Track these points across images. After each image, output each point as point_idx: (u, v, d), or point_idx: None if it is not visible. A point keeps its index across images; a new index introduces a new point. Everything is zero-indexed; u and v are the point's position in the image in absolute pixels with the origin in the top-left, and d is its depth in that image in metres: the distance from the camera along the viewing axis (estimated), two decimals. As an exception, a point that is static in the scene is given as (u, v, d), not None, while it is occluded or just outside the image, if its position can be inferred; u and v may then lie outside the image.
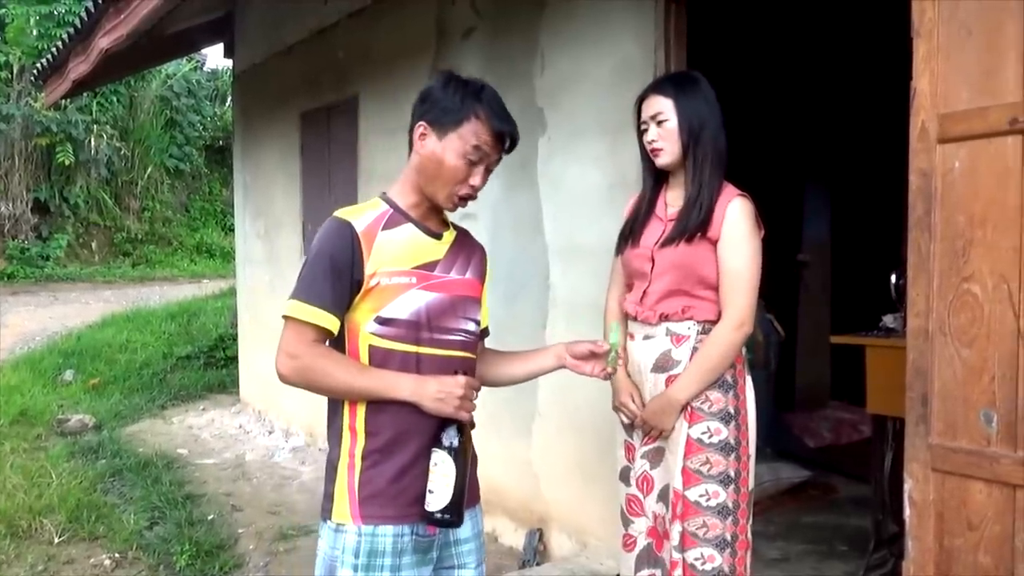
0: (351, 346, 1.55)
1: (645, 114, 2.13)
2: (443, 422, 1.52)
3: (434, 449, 1.51)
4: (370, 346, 1.53)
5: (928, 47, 1.73)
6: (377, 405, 1.52)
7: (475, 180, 1.57)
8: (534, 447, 3.43)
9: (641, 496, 2.14)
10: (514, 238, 3.52)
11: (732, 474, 2.02)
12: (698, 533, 2.00)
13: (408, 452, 1.53)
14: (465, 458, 1.52)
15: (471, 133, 1.54)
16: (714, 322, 2.05)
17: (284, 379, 1.53)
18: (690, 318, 2.06)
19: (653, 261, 2.10)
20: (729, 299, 2.03)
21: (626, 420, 2.16)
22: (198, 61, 16.54)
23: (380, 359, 1.53)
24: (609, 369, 1.71)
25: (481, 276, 1.71)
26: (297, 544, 3.69)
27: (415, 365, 1.54)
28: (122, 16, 4.30)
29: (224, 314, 9.37)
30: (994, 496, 1.64)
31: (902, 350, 1.82)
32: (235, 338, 7.06)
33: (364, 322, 1.53)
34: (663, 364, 2.08)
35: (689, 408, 2.02)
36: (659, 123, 2.08)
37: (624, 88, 2.96)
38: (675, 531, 2.02)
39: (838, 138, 5.23)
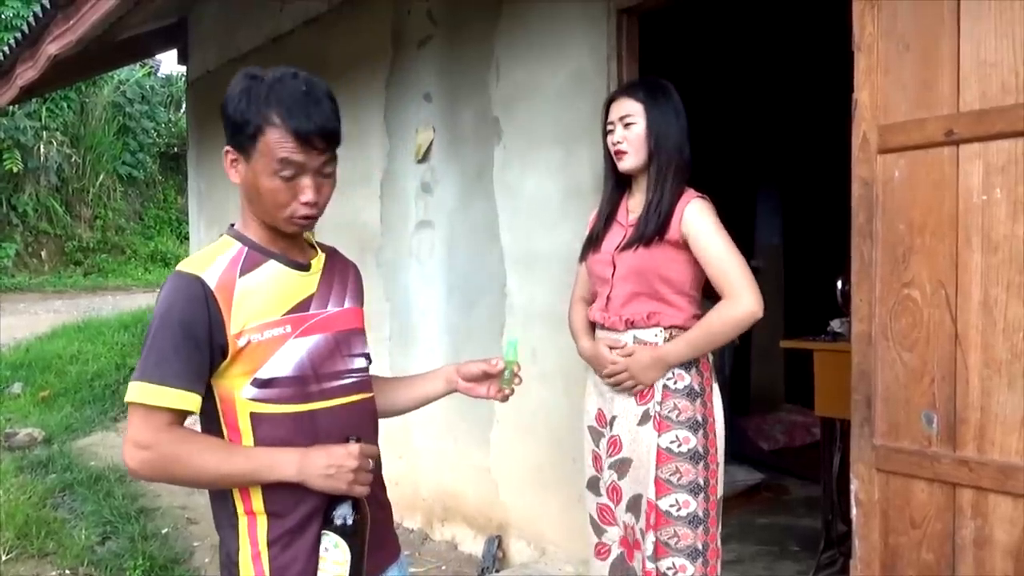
0: (228, 418, 1.29)
1: (613, 115, 2.12)
2: (333, 497, 1.28)
3: (324, 531, 1.27)
4: (251, 414, 1.28)
5: (868, 61, 1.78)
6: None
7: (306, 195, 1.28)
8: (492, 454, 3.43)
9: (612, 506, 2.13)
10: (471, 246, 3.53)
11: (701, 483, 2.00)
12: (670, 543, 1.98)
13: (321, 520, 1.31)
14: (362, 539, 1.29)
15: (271, 145, 1.25)
16: (681, 327, 2.04)
17: (135, 474, 1.26)
18: (656, 324, 2.05)
19: (614, 266, 2.10)
20: (725, 284, 1.97)
21: (606, 372, 2.10)
22: (152, 67, 16.22)
23: (267, 428, 1.29)
24: (506, 391, 1.54)
25: (358, 301, 1.47)
26: (254, 556, 3.64)
27: (310, 425, 1.30)
28: (71, 22, 4.21)
29: (179, 324, 9.19)
30: (935, 495, 1.70)
31: (848, 354, 1.87)
32: (190, 348, 6.94)
33: (239, 388, 1.28)
34: None
35: (658, 417, 2.01)
36: (626, 126, 2.08)
37: (578, 98, 2.99)
38: (648, 541, 2.00)
39: (789, 143, 5.34)
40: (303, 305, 1.34)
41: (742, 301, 1.96)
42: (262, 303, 1.29)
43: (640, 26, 2.90)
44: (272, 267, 1.33)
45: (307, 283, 1.37)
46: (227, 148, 1.31)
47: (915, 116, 1.70)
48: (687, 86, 2.19)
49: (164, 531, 3.95)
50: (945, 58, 1.65)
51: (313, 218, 1.33)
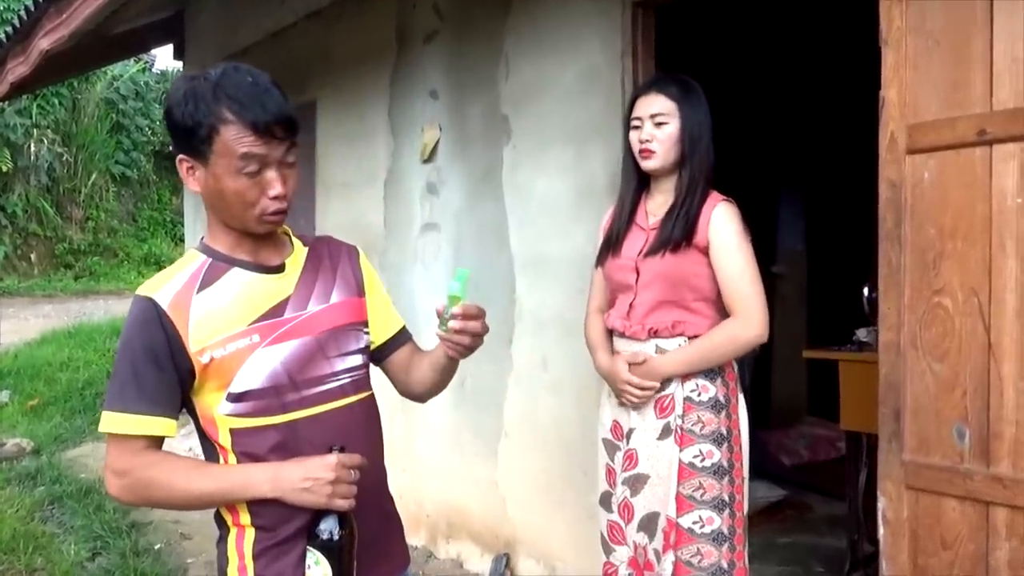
0: (212, 435, 1.33)
1: (641, 111, 2.09)
2: (320, 511, 1.27)
3: (308, 547, 1.27)
4: (231, 430, 1.30)
5: (897, 57, 1.78)
6: None
7: (274, 189, 1.28)
8: (500, 467, 3.43)
9: (622, 524, 2.11)
10: (479, 250, 3.53)
11: (726, 498, 1.99)
12: (692, 562, 1.97)
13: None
14: (348, 555, 1.28)
15: (230, 142, 1.24)
16: None
17: (118, 500, 1.35)
18: (680, 334, 2.04)
19: (638, 272, 2.08)
20: (736, 302, 2.00)
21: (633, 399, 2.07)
22: (146, 62, 16.33)
23: (247, 443, 1.30)
24: (439, 332, 1.36)
25: (355, 288, 1.46)
26: (250, 573, 3.64)
27: (292, 436, 1.31)
28: (64, 16, 4.25)
29: (173, 330, 9.21)
30: (967, 514, 1.69)
31: (875, 365, 1.87)
32: (185, 355, 6.96)
33: (215, 404, 1.30)
34: None
35: (679, 431, 2.00)
36: (658, 124, 2.06)
37: (590, 96, 3.00)
38: (667, 561, 1.99)
39: (812, 143, 5.32)
40: (276, 311, 1.33)
41: (751, 323, 1.99)
42: (224, 316, 1.30)
43: (656, 20, 2.90)
44: (236, 276, 1.33)
45: (281, 286, 1.36)
46: (181, 157, 1.30)
47: (946, 115, 1.70)
48: (706, 83, 2.18)
49: (157, 547, 3.96)
50: (977, 54, 1.65)
51: (284, 212, 1.32)
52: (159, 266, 15.46)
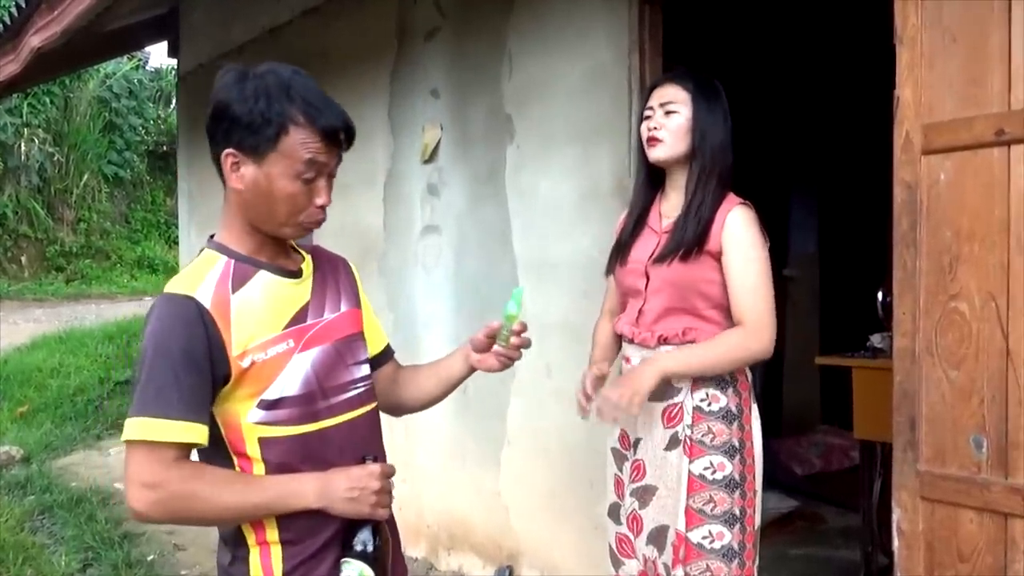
0: (235, 445, 1.30)
1: (653, 101, 2.09)
2: (352, 522, 1.29)
3: (345, 559, 1.28)
4: (260, 439, 1.29)
5: (912, 54, 1.78)
6: None
7: (322, 198, 1.31)
8: (503, 476, 3.43)
9: (632, 536, 2.10)
10: (481, 253, 3.53)
11: (737, 513, 1.98)
12: None
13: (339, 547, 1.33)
14: (383, 565, 1.30)
15: (296, 145, 1.26)
16: None
17: (143, 517, 1.24)
18: (691, 340, 2.02)
19: (647, 277, 2.07)
20: (746, 315, 1.97)
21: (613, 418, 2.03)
22: (140, 59, 16.37)
23: (277, 453, 1.29)
24: (498, 348, 1.46)
25: (354, 299, 1.48)
26: (246, 586, 3.64)
27: (321, 446, 1.32)
28: (56, 12, 4.26)
29: (167, 335, 9.22)
30: (985, 525, 1.68)
31: (889, 372, 1.86)
32: (179, 361, 6.96)
33: (244, 412, 1.28)
34: (661, 392, 2.01)
35: (688, 442, 1.99)
36: (667, 113, 2.05)
37: (596, 94, 3.00)
38: None
39: (825, 144, 5.32)
40: (300, 316, 1.34)
41: (758, 338, 1.98)
42: (260, 319, 1.29)
43: (664, 17, 2.90)
44: (263, 278, 1.33)
45: (301, 291, 1.37)
46: (230, 151, 1.28)
47: (962, 114, 1.70)
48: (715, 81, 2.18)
49: (150, 558, 3.96)
50: (995, 52, 1.65)
51: (320, 223, 1.34)
52: (152, 269, 15.49)
